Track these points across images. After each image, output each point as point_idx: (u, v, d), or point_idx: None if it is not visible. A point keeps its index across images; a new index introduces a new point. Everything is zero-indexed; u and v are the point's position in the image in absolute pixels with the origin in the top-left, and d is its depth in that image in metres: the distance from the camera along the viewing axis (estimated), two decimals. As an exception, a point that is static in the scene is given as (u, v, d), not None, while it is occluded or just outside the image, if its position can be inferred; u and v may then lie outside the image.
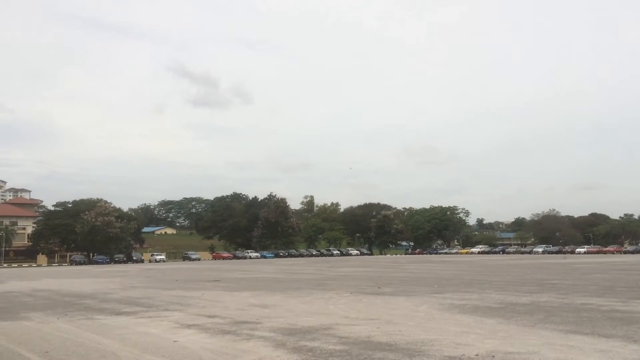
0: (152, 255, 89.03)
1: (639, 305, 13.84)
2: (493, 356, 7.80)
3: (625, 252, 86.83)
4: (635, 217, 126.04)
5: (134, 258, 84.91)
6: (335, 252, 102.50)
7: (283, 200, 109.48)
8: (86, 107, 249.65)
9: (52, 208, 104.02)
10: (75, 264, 78.26)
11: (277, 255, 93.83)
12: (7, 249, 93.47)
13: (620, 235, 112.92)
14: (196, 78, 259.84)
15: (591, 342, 8.75)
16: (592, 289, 19.05)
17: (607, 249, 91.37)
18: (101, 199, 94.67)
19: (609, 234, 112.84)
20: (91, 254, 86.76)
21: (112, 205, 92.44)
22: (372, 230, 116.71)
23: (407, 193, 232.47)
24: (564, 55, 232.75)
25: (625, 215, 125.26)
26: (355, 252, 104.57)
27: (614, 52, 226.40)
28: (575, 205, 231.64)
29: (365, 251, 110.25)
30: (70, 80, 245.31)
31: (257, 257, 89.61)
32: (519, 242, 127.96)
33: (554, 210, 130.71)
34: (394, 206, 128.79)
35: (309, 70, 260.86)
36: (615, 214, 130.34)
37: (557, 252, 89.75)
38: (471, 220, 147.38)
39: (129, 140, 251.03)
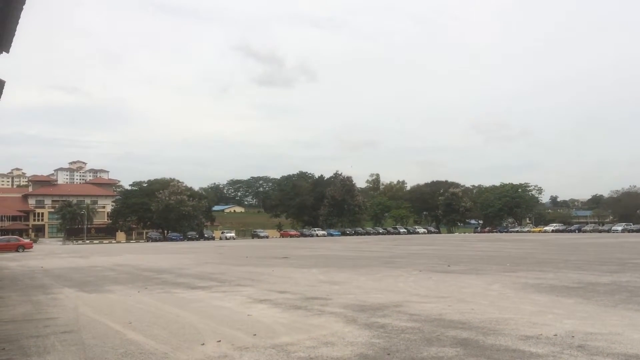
0: (222, 232, 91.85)
1: None
2: (572, 336, 7.51)
3: None
4: None
5: (206, 235, 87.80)
6: (402, 230, 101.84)
7: (349, 179, 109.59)
8: (158, 90, 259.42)
9: (129, 187, 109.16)
10: (151, 241, 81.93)
11: (343, 233, 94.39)
12: (89, 226, 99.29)
13: None
14: (262, 57, 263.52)
15: (681, 325, 8.25)
16: (680, 269, 17.95)
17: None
18: (174, 179, 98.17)
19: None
20: (166, 231, 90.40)
21: (184, 185, 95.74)
22: (440, 208, 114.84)
23: (476, 170, 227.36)
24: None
25: None
26: (422, 230, 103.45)
27: None
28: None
29: (432, 229, 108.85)
30: (143, 64, 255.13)
31: (323, 235, 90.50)
32: (597, 220, 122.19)
33: (634, 186, 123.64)
34: (462, 184, 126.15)
35: (374, 48, 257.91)
36: None
37: (638, 231, 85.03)
38: (544, 198, 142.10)
39: (199, 121, 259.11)
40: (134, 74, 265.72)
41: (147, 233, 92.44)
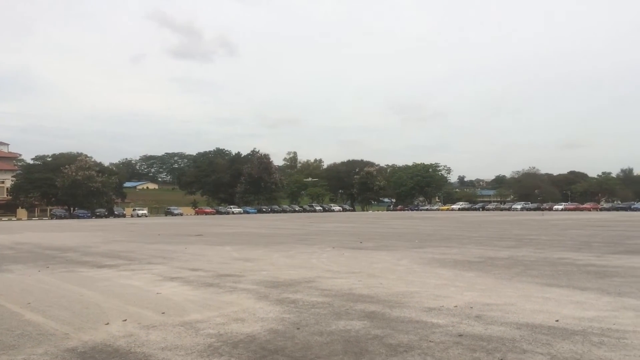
0: (134, 209, 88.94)
1: (614, 259, 14.21)
2: (471, 307, 7.97)
3: (601, 210, 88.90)
4: (613, 175, 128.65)
5: (116, 212, 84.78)
6: (317, 208, 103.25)
7: (266, 156, 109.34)
8: (66, 59, 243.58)
9: (32, 162, 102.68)
10: (56, 218, 77.96)
11: (259, 211, 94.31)
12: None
13: (597, 193, 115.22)
14: (178, 28, 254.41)
15: (566, 294, 8.97)
16: (569, 244, 19.49)
17: (583, 206, 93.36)
18: (81, 153, 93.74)
19: (586, 191, 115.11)
20: (72, 208, 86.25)
21: (92, 160, 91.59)
22: (355, 186, 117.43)
23: (392, 150, 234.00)
24: (553, 14, 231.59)
25: (603, 173, 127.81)
26: (337, 208, 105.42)
27: (600, 13, 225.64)
28: (556, 163, 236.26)
29: (347, 207, 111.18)
30: (50, 32, 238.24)
31: (239, 213, 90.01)
32: (499, 199, 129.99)
33: (534, 168, 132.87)
34: (377, 163, 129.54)
35: (297, 23, 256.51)
36: (593, 172, 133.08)
37: (535, 209, 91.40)
38: (453, 178, 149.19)
39: (110, 93, 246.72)
40: (41, 41, 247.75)
41: (51, 210, 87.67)
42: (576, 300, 8.49)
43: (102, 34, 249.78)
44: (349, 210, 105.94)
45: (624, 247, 18.21)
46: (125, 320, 7.47)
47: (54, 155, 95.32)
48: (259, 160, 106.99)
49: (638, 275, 11.24)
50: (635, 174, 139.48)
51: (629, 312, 7.55)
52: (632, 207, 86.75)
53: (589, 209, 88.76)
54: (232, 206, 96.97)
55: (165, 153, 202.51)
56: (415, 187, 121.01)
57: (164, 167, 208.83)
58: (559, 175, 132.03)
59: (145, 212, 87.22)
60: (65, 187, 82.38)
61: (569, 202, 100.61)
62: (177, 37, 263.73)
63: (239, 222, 50.89)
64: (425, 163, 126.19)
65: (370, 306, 8.20)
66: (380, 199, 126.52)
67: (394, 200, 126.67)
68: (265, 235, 28.48)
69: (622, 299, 8.49)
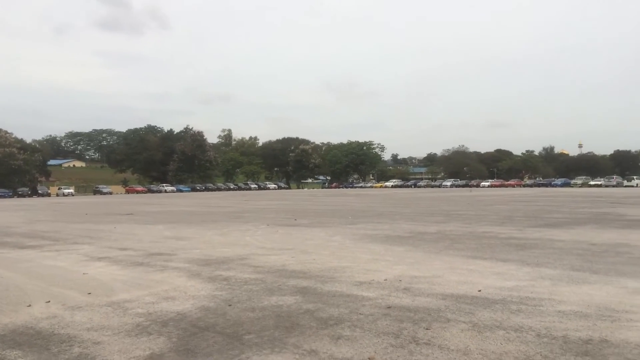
0: (59, 188, 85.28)
1: (534, 232, 14.99)
2: (400, 280, 8.21)
3: (524, 186, 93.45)
4: (536, 153, 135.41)
5: (40, 192, 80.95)
6: (252, 186, 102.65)
7: (200, 134, 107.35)
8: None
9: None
10: (-26, 198, 73.48)
11: (193, 189, 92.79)
12: None
13: (521, 170, 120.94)
14: None
15: (489, 266, 9.41)
16: (493, 219, 20.38)
17: (508, 182, 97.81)
18: (0, 129, 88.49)
19: (511, 169, 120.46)
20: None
21: (13, 136, 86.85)
22: (290, 164, 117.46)
23: (327, 128, 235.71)
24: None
25: (526, 151, 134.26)
26: (273, 186, 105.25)
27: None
28: (484, 142, 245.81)
29: (282, 185, 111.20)
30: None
31: (172, 191, 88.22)
32: (430, 176, 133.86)
33: (463, 146, 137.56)
34: (312, 141, 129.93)
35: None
36: (518, 150, 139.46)
37: (464, 186, 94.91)
38: (386, 156, 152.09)
39: (32, 66, 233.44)
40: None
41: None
42: (498, 271, 8.92)
43: (20, 1, 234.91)
44: (284, 188, 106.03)
45: (543, 220, 19.25)
46: (49, 301, 7.19)
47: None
48: (192, 138, 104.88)
49: (555, 247, 11.94)
50: (555, 152, 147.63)
51: (545, 281, 8.02)
52: (552, 183, 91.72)
53: (513, 185, 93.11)
54: (164, 185, 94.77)
55: (93, 129, 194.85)
56: (350, 164, 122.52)
57: (92, 144, 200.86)
58: (486, 153, 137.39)
59: (71, 191, 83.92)
60: (-17, 166, 77.92)
61: (495, 179, 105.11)
62: (104, 8, 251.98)
63: (172, 200, 49.84)
64: (360, 141, 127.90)
65: (303, 282, 8.28)
66: (316, 176, 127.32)
67: (329, 177, 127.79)
68: (198, 213, 28.06)
69: (539, 269, 9.01)
